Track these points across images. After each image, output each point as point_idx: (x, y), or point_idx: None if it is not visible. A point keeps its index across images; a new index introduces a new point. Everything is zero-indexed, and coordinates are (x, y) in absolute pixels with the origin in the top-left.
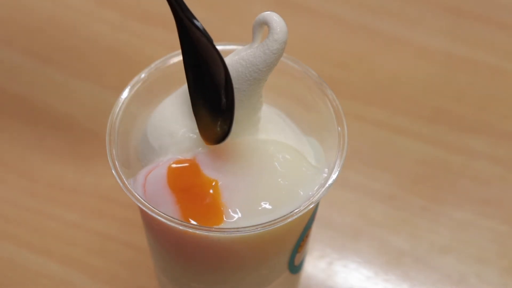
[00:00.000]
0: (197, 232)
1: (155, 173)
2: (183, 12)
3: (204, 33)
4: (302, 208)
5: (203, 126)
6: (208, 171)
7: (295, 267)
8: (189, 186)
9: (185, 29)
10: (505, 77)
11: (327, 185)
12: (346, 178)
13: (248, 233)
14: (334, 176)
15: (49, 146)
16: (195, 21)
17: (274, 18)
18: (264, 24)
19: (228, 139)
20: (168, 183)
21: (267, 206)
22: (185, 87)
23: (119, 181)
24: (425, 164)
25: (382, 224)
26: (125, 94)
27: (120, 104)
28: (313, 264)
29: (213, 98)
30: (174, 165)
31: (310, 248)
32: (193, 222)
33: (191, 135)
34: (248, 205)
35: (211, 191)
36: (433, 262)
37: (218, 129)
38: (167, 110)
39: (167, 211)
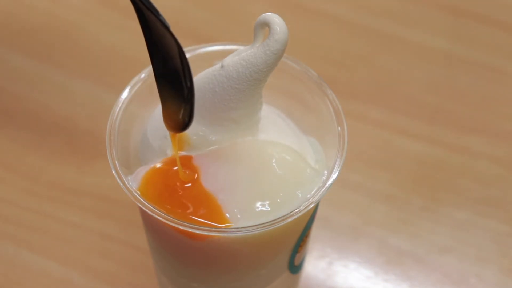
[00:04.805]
0: (197, 232)
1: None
2: None
3: (159, 17)
4: (302, 208)
5: (166, 114)
6: (207, 172)
7: (295, 267)
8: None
9: (140, 12)
10: (505, 77)
11: (327, 185)
12: (346, 178)
13: (248, 233)
14: (334, 176)
15: (49, 146)
16: (151, 3)
17: (275, 19)
18: (265, 25)
19: (228, 140)
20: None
21: (265, 208)
22: None
23: (119, 181)
24: (425, 164)
25: (382, 224)
26: (125, 94)
27: (120, 104)
28: (313, 264)
29: (174, 86)
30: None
31: (310, 248)
32: (193, 220)
33: (191, 136)
34: (246, 206)
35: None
36: (433, 262)
37: (180, 118)
38: None
39: None
